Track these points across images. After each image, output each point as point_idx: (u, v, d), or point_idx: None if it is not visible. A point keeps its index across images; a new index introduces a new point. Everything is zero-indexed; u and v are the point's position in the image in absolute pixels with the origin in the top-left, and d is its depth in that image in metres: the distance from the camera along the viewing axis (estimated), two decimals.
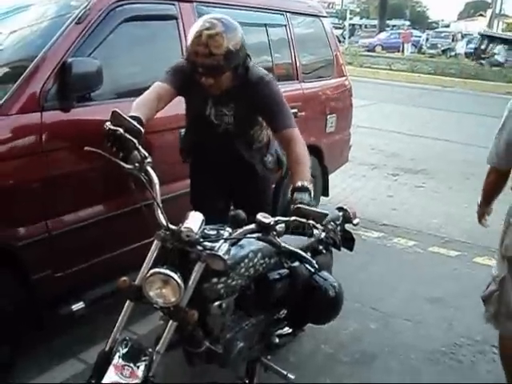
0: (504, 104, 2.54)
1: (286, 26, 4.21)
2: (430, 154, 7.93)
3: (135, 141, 2.25)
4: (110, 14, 2.77)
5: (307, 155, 2.47)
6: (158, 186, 2.20)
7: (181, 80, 2.57)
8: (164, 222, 2.06)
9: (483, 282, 2.65)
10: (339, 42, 5.00)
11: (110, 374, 1.88)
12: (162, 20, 3.17)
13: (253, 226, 2.08)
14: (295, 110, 4.02)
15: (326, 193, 4.76)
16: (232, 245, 2.09)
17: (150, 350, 1.99)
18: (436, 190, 6.34)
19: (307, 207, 2.11)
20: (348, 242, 3.03)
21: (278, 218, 2.09)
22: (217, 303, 2.23)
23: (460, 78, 17.83)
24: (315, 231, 2.10)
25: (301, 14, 4.50)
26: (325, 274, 2.60)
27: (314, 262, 2.56)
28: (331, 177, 4.84)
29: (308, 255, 2.58)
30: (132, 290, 2.03)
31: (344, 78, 5.00)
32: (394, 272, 4.13)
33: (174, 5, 3.21)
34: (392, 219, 5.30)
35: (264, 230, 2.07)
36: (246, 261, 2.27)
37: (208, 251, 1.99)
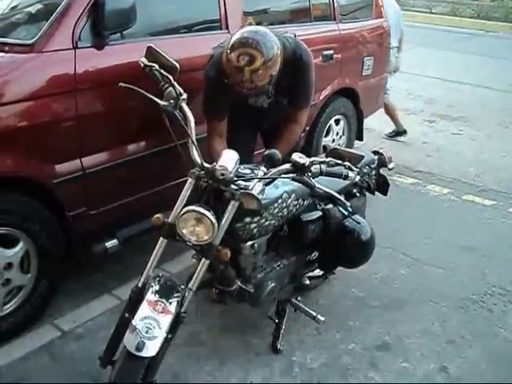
0: None
1: None
2: (468, 100, 7.69)
3: (170, 77, 2.22)
4: None
5: (297, 139, 2.80)
6: (193, 124, 2.18)
7: (222, 102, 2.59)
8: (199, 161, 2.05)
9: None
10: None
11: (144, 309, 1.92)
12: None
13: (288, 166, 2.06)
14: (331, 52, 3.93)
15: (360, 137, 4.67)
16: (266, 184, 2.06)
17: (183, 286, 2.02)
18: (473, 137, 6.18)
19: (344, 148, 2.08)
20: (382, 186, 3.00)
21: (313, 159, 2.06)
22: (249, 243, 2.25)
23: (505, 23, 17.05)
24: (350, 173, 2.07)
25: None
26: (358, 217, 2.58)
27: (348, 205, 2.55)
28: (366, 121, 4.74)
29: (342, 198, 2.56)
30: (165, 228, 2.05)
31: (382, 20, 4.81)
32: (427, 219, 4.08)
33: None
34: (427, 166, 5.22)
35: (299, 170, 2.05)
36: (280, 201, 2.26)
37: (242, 190, 1.98)
